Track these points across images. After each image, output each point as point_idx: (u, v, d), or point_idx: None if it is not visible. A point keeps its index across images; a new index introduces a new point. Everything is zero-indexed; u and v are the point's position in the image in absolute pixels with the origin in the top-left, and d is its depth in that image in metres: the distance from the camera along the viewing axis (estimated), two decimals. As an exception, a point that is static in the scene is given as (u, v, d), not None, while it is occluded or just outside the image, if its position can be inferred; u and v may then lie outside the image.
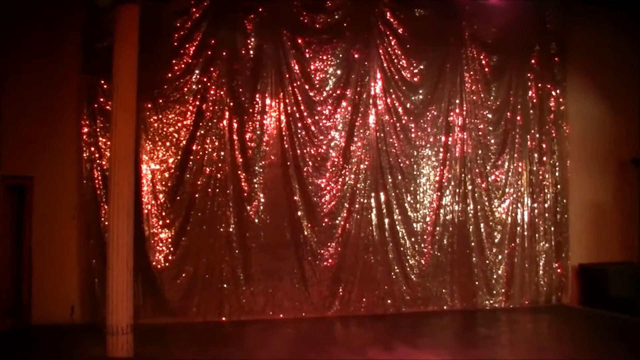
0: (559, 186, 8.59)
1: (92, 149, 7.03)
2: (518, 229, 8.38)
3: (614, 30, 8.91)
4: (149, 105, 7.21)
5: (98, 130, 7.04)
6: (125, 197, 5.72)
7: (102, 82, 6.95)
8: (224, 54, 7.42)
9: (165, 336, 6.54)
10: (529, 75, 8.53)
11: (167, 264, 7.18)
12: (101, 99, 7.01)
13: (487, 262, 8.21)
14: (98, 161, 7.03)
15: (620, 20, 8.94)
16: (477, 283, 8.13)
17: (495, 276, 8.23)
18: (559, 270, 8.50)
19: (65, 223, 6.99)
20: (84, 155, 7.01)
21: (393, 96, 7.97)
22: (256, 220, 7.44)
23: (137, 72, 5.90)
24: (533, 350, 6.18)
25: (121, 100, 5.71)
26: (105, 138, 6.93)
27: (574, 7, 8.63)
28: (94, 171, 7.01)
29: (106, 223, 6.33)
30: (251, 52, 7.51)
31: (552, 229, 8.53)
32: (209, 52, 7.38)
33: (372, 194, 7.84)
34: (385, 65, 7.93)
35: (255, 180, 7.47)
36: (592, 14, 8.75)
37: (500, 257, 8.27)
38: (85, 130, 7.03)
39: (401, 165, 7.94)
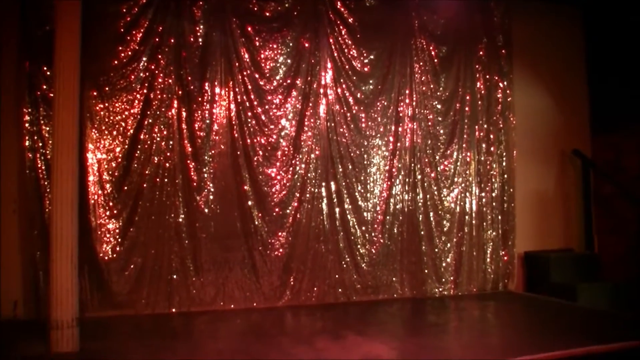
0: (505, 176, 8.75)
1: (35, 137, 6.79)
2: (466, 217, 8.50)
3: (555, 24, 9.16)
4: (95, 93, 7.01)
5: (41, 118, 6.80)
6: (69, 188, 5.56)
7: (45, 68, 6.72)
8: (172, 41, 7.27)
9: (113, 329, 6.41)
10: (477, 66, 8.65)
11: (114, 256, 7.01)
12: (44, 86, 6.76)
13: (436, 250, 8.31)
14: (41, 150, 6.79)
15: (560, 15, 9.19)
16: (426, 271, 8.23)
17: (444, 264, 8.35)
18: (505, 258, 8.69)
19: (6, 214, 6.74)
20: (26, 144, 6.77)
21: (343, 86, 7.97)
22: (206, 210, 7.35)
23: (81, 59, 5.70)
24: (477, 336, 6.33)
25: (63, 89, 5.53)
26: (49, 127, 6.69)
27: (518, 1, 8.80)
28: (36, 161, 6.79)
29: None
30: (200, 39, 7.38)
31: (499, 217, 8.69)
32: (157, 39, 7.21)
33: (323, 184, 7.84)
34: (335, 54, 7.92)
35: (204, 170, 7.37)
36: (534, 8, 8.94)
37: (448, 245, 8.39)
38: (27, 118, 6.78)
39: (351, 154, 7.96)
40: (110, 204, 7.07)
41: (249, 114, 7.58)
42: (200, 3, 7.39)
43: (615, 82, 8.77)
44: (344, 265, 7.87)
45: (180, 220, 7.26)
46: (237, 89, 7.53)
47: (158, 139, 7.24)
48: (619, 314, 7.32)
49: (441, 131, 8.46)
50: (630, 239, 8.43)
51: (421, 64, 8.33)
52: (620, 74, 8.68)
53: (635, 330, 6.08)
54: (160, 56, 7.26)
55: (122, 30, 7.11)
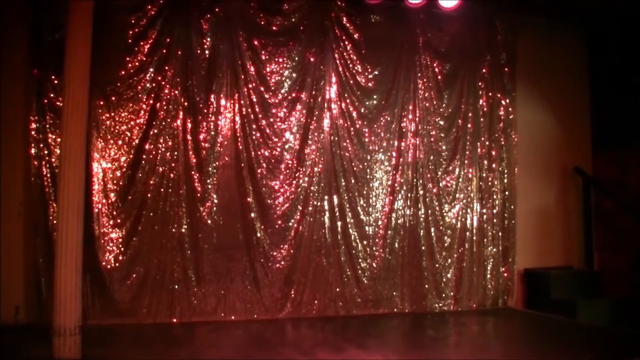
0: (506, 192, 8.77)
1: (41, 145, 6.87)
2: (467, 233, 8.52)
3: (558, 42, 9.24)
4: (101, 103, 7.07)
5: (47, 126, 6.88)
6: (75, 196, 5.61)
7: (53, 77, 6.81)
8: (179, 53, 7.35)
9: (114, 337, 6.43)
10: (480, 84, 8.70)
11: (117, 264, 7.04)
12: (51, 95, 6.85)
13: (437, 265, 8.32)
14: (47, 158, 6.87)
15: (563, 33, 9.28)
16: (426, 286, 8.23)
17: (444, 280, 8.35)
18: (505, 275, 8.69)
19: (10, 220, 6.78)
20: (32, 151, 6.84)
21: (347, 101, 8.04)
22: (209, 221, 7.38)
23: (90, 69, 5.80)
24: (478, 351, 6.34)
25: (72, 98, 5.60)
26: (55, 134, 6.79)
27: (523, 19, 8.88)
28: (42, 168, 6.85)
29: (54, 222, 6.21)
30: (207, 52, 7.46)
31: (500, 234, 8.70)
32: (164, 51, 7.29)
33: (326, 197, 7.87)
34: (340, 69, 7.99)
35: (208, 181, 7.42)
36: (538, 26, 9.04)
37: (449, 261, 8.39)
38: (34, 126, 6.86)
39: (354, 169, 8.01)
40: (114, 213, 7.11)
41: (254, 126, 7.65)
42: (208, 16, 7.49)
43: (618, 99, 8.84)
44: (345, 279, 7.88)
45: (183, 230, 7.30)
46: (242, 102, 7.60)
47: (163, 149, 7.29)
48: (619, 331, 7.32)
49: (443, 147, 8.50)
50: (631, 256, 8.44)
51: (425, 80, 8.40)
52: (623, 91, 8.74)
53: (636, 347, 6.09)
54: (167, 67, 7.33)
55: (130, 40, 7.19)
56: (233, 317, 7.39)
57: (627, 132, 8.69)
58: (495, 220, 8.69)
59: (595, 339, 6.90)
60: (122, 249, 7.09)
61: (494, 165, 8.73)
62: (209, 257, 7.36)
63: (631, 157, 8.79)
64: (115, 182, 7.13)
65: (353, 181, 8.01)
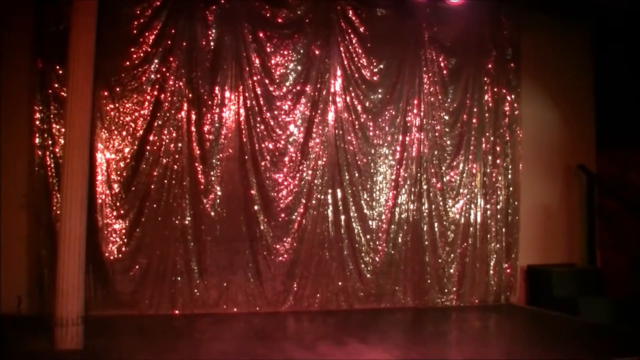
0: (510, 188, 8.75)
1: (45, 135, 6.87)
2: (470, 229, 8.51)
3: (564, 39, 9.21)
4: (106, 94, 7.08)
5: (52, 116, 6.88)
6: (79, 187, 5.62)
7: (57, 67, 6.80)
8: (184, 44, 7.34)
9: (116, 328, 6.43)
10: (485, 79, 8.67)
11: (120, 256, 7.07)
12: (55, 85, 6.85)
13: (440, 261, 8.31)
14: (51, 148, 6.87)
15: (569, 30, 9.25)
16: (429, 281, 8.23)
17: (447, 275, 8.34)
18: (508, 271, 8.68)
19: (13, 211, 6.76)
20: (36, 141, 6.83)
21: (352, 94, 8.01)
22: (212, 214, 7.39)
23: (94, 60, 5.78)
24: (479, 347, 6.32)
25: (76, 89, 5.60)
26: (60, 125, 6.79)
27: (528, 15, 8.83)
28: (46, 158, 6.86)
29: (58, 212, 6.21)
30: (211, 43, 7.45)
31: (503, 230, 8.68)
32: (169, 42, 7.28)
33: (329, 191, 7.87)
34: (345, 63, 7.97)
35: (212, 173, 7.42)
36: (543, 23, 8.99)
37: (452, 256, 8.39)
38: (38, 116, 6.85)
39: (358, 163, 7.99)
40: (118, 204, 7.12)
41: (258, 119, 7.63)
42: (214, 7, 7.47)
43: (623, 98, 8.79)
44: (348, 273, 7.88)
45: (187, 222, 7.31)
46: (246, 94, 7.59)
47: (167, 140, 7.30)
48: (620, 329, 7.31)
49: (448, 142, 8.48)
50: (633, 255, 8.41)
51: (430, 74, 8.37)
52: (627, 90, 8.70)
53: (637, 346, 6.08)
54: (171, 59, 7.32)
55: (135, 31, 7.18)
56: (235, 310, 7.40)
57: (631, 132, 8.66)
58: (498, 216, 8.67)
59: (597, 337, 6.89)
60: (125, 240, 7.10)
61: (498, 161, 8.71)
62: (212, 249, 7.36)
63: (634, 157, 8.75)
64: (118, 173, 7.13)
65: (357, 175, 7.99)
